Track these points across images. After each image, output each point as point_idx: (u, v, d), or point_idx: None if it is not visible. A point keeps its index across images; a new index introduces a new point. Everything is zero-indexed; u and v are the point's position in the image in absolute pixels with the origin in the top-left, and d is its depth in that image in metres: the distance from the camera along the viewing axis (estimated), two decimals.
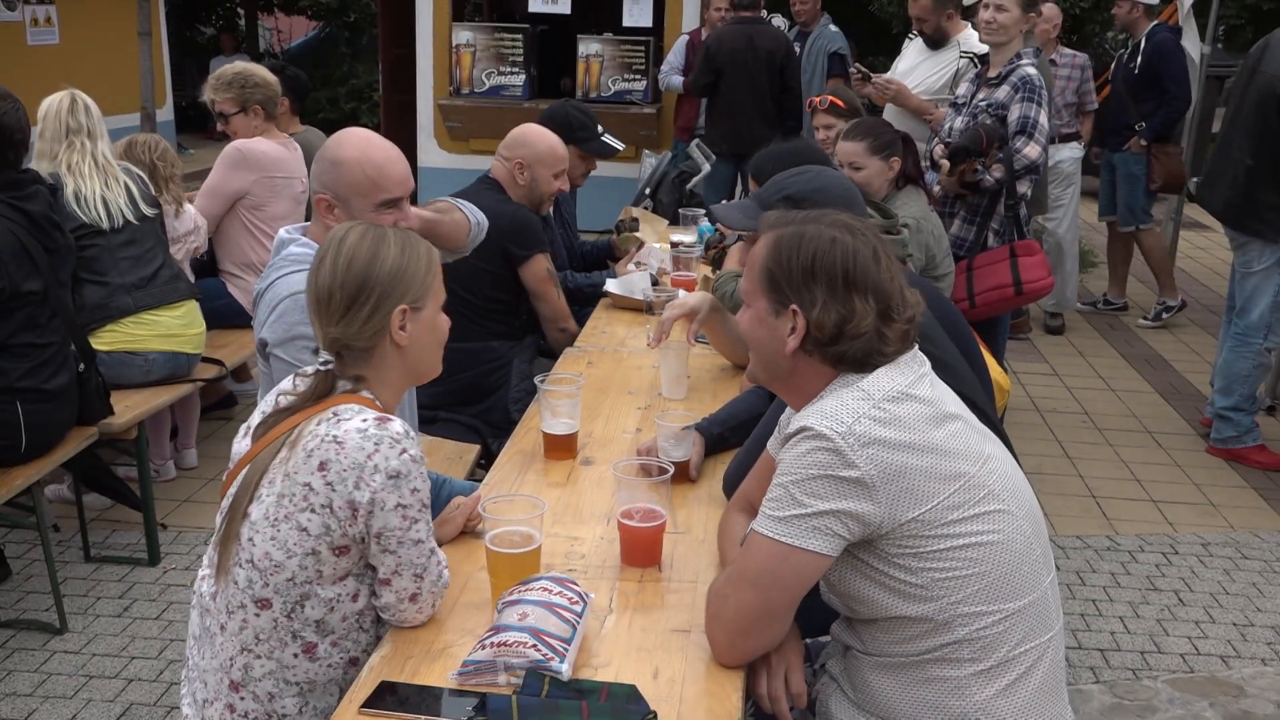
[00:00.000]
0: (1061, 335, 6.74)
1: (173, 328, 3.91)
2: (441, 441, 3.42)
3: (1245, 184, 4.66)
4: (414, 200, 2.57)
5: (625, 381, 3.15)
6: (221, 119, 4.64)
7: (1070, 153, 6.69)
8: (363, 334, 1.88)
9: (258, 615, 1.84)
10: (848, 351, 1.74)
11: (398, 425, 1.80)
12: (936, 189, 4.53)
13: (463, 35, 8.82)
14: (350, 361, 1.90)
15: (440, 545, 2.13)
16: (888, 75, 5.61)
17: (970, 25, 5.29)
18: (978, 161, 4.26)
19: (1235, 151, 4.71)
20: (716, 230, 4.42)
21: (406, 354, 1.94)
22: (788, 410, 1.96)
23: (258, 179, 4.56)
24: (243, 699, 1.87)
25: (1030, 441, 5.09)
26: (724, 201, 6.13)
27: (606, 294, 4.00)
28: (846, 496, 1.64)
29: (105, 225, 3.76)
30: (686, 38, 8.02)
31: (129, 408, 3.68)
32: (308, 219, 2.58)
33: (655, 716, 1.63)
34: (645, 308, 3.59)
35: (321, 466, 1.77)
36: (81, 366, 3.42)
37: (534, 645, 1.69)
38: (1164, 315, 7.04)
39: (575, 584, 1.86)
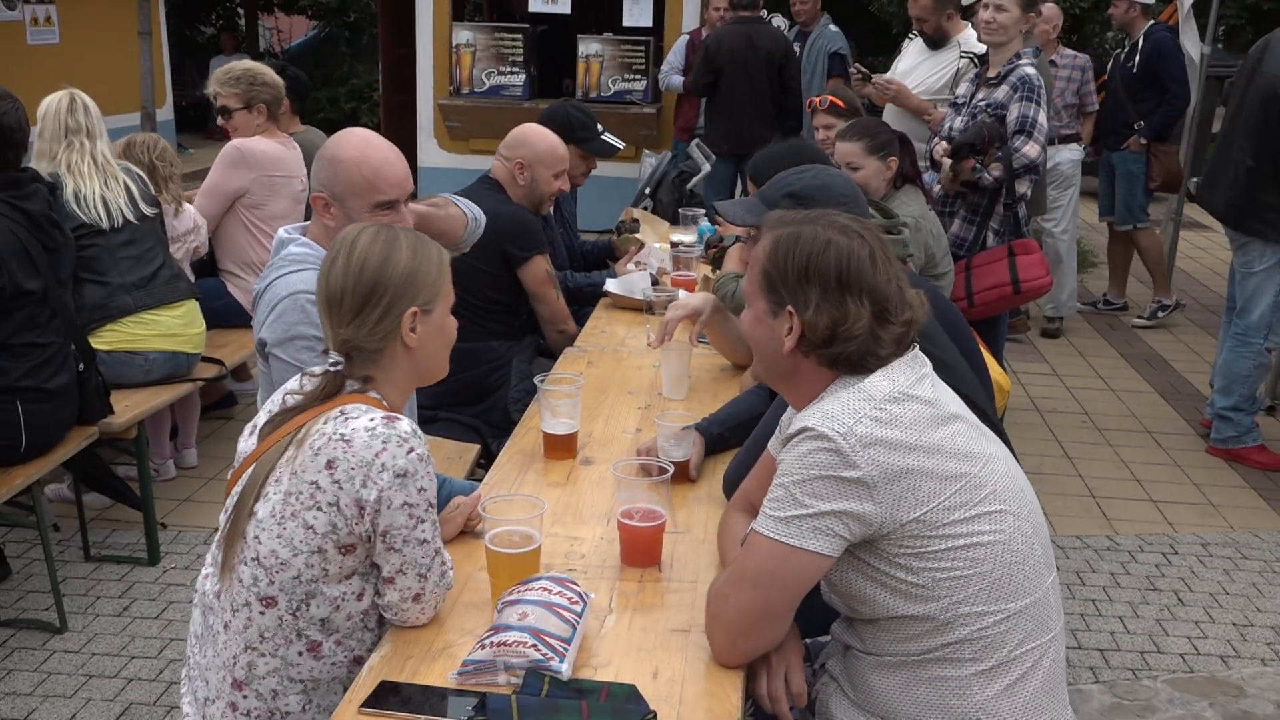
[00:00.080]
0: (1058, 338, 6.74)
1: (173, 327, 3.91)
2: (441, 441, 3.42)
3: (1246, 184, 4.66)
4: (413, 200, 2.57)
5: (625, 381, 3.15)
6: (224, 114, 4.64)
7: (1069, 154, 6.66)
8: (374, 336, 1.88)
9: (262, 613, 1.84)
10: (842, 353, 1.74)
11: (405, 424, 1.81)
12: (936, 189, 4.53)
13: (463, 35, 8.82)
14: (359, 362, 1.91)
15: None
16: (888, 75, 5.61)
17: (970, 25, 5.29)
18: (977, 160, 4.26)
19: (1236, 152, 4.71)
20: (716, 230, 4.43)
21: (416, 355, 1.94)
22: (789, 410, 1.96)
23: (257, 178, 4.56)
24: (245, 697, 1.87)
25: (1030, 441, 5.09)
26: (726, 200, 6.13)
27: (606, 294, 4.00)
28: (848, 497, 1.64)
29: (105, 225, 3.76)
30: (686, 37, 8.02)
31: (129, 407, 3.68)
32: (307, 218, 2.58)
33: (655, 716, 1.63)
34: (645, 308, 3.59)
35: (329, 465, 1.77)
36: (81, 366, 3.42)
37: (534, 645, 1.69)
38: (1159, 315, 7.03)
39: (575, 584, 1.86)
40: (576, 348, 3.49)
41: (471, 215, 2.92)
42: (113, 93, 8.40)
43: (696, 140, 7.15)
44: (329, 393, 1.88)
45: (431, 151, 9.02)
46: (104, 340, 3.73)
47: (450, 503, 2.20)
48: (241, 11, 17.88)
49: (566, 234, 4.40)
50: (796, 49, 7.27)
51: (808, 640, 1.99)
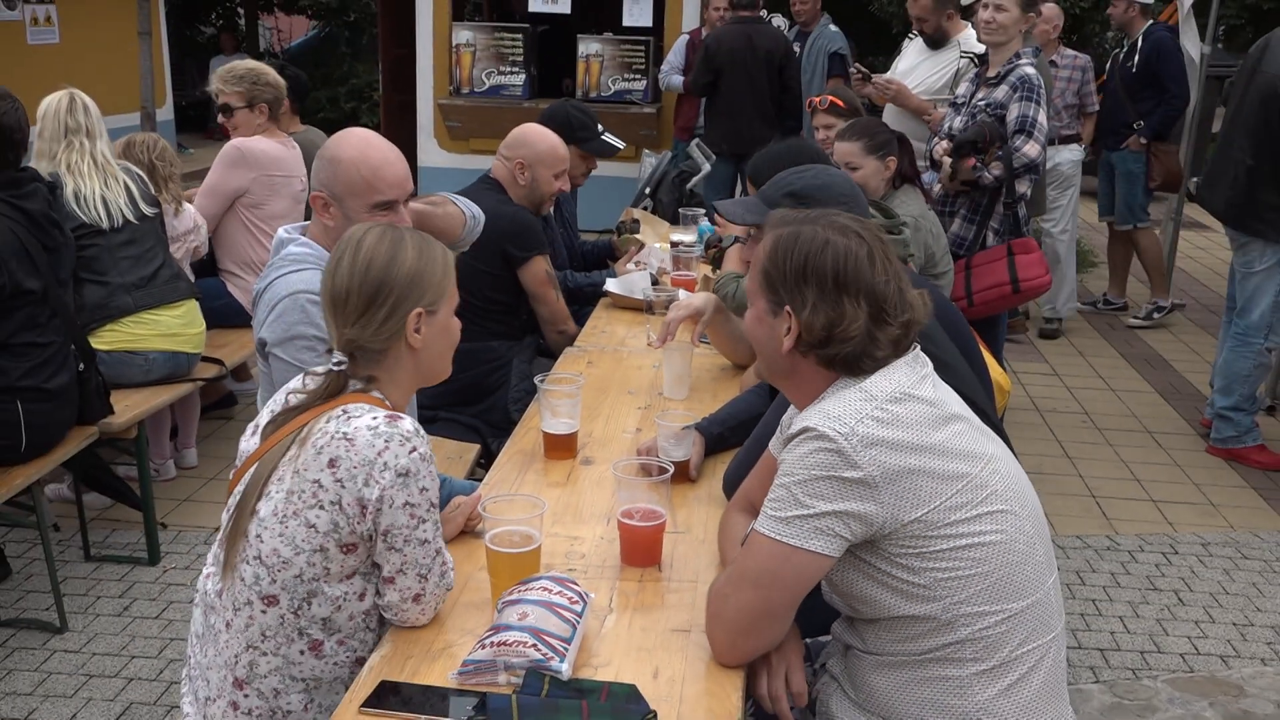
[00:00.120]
0: (1056, 339, 6.73)
1: (173, 327, 3.91)
2: (441, 441, 3.42)
3: (1246, 184, 4.66)
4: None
5: (625, 381, 3.15)
6: (226, 112, 4.64)
7: (1069, 155, 6.65)
8: (378, 336, 1.88)
9: (264, 612, 1.84)
10: (838, 354, 1.74)
11: (408, 423, 1.81)
12: (936, 188, 4.53)
13: (463, 35, 8.82)
14: (363, 362, 1.91)
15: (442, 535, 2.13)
16: (888, 75, 5.61)
17: (970, 25, 5.28)
18: (977, 159, 4.26)
19: (1236, 152, 4.71)
20: (715, 230, 4.42)
21: (419, 356, 1.94)
22: (790, 410, 1.96)
23: (256, 177, 4.56)
24: (247, 696, 1.87)
25: (1030, 441, 5.09)
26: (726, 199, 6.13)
27: (606, 294, 4.00)
28: (849, 497, 1.64)
29: (105, 225, 3.76)
30: (687, 37, 8.02)
31: (129, 407, 3.68)
32: (308, 218, 2.58)
33: (655, 716, 1.63)
34: (645, 307, 3.59)
35: (331, 463, 1.77)
36: (81, 366, 3.42)
37: (534, 645, 1.69)
38: (1154, 315, 7.02)
39: (575, 584, 1.86)
40: (576, 347, 3.49)
41: (470, 213, 2.92)
42: (113, 92, 8.40)
43: (696, 140, 7.16)
44: (332, 392, 1.88)
45: (431, 151, 9.02)
46: (104, 340, 3.73)
47: (451, 502, 2.20)
48: (241, 11, 17.88)
49: (567, 234, 4.41)
50: (796, 49, 7.27)
51: (808, 640, 1.99)
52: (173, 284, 3.94)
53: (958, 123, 4.51)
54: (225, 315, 4.54)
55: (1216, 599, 3.80)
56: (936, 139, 4.64)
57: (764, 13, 7.24)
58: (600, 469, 2.52)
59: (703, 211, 5.18)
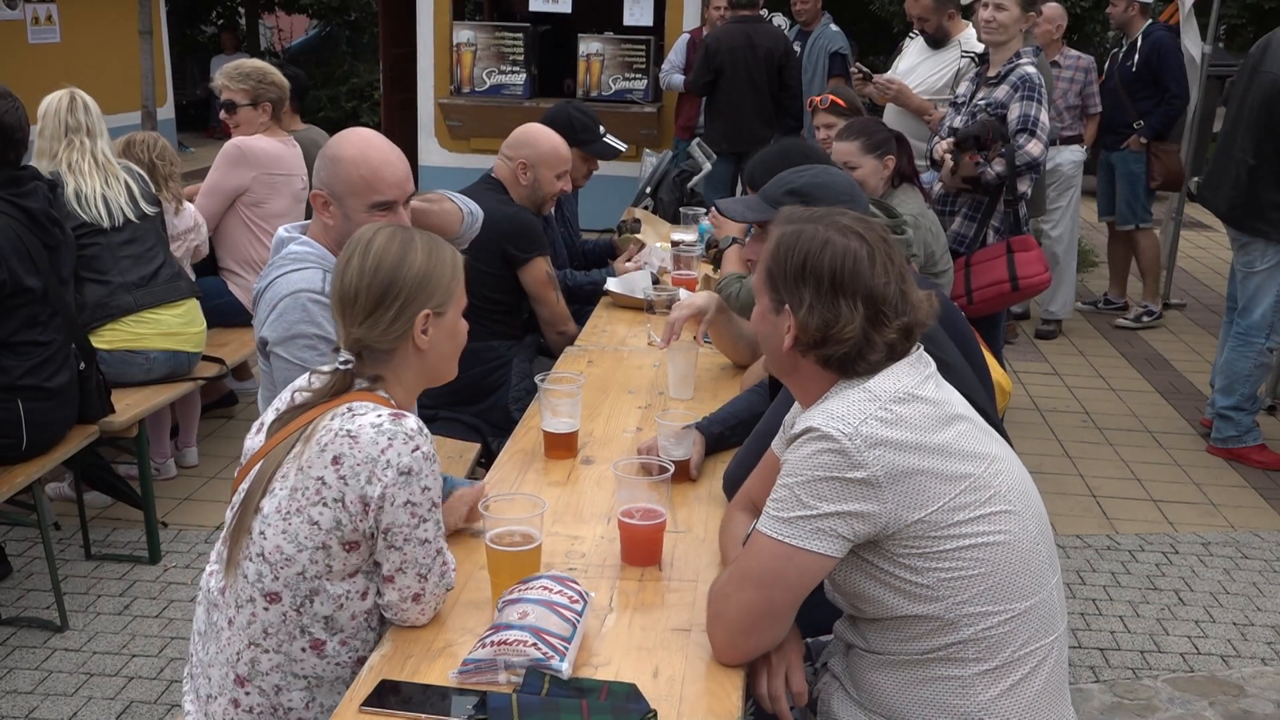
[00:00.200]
0: (1053, 340, 6.73)
1: (173, 326, 3.91)
2: (442, 440, 3.42)
3: (1248, 184, 4.66)
4: None
5: (626, 380, 3.15)
6: (229, 109, 4.64)
7: (1070, 155, 6.63)
8: (386, 336, 1.89)
9: (266, 609, 1.84)
10: (834, 355, 1.74)
11: (412, 422, 1.81)
12: (936, 187, 4.53)
13: (463, 34, 8.82)
14: (370, 361, 1.91)
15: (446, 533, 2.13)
16: (888, 75, 5.60)
17: (971, 24, 5.28)
18: (980, 155, 4.26)
19: (1238, 152, 4.71)
20: (709, 230, 4.41)
21: (426, 357, 1.94)
22: (793, 409, 1.96)
23: (257, 175, 4.56)
24: (248, 693, 1.87)
25: (1030, 441, 5.09)
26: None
27: (607, 293, 4.00)
28: (852, 498, 1.64)
29: (106, 224, 3.76)
30: (688, 36, 8.02)
31: (130, 406, 3.68)
32: (308, 217, 2.58)
33: (655, 715, 1.63)
34: (646, 307, 3.59)
35: (335, 460, 1.78)
36: (82, 365, 3.42)
37: (534, 644, 1.69)
38: (1144, 319, 7.00)
39: (575, 583, 1.87)
40: (577, 347, 3.49)
41: (467, 210, 2.92)
42: (113, 92, 8.41)
43: (697, 139, 7.15)
44: (338, 390, 1.88)
45: (432, 151, 9.02)
46: (105, 339, 3.73)
47: (455, 493, 2.20)
48: (242, 10, 17.88)
49: (568, 233, 4.41)
50: (797, 48, 7.27)
51: (809, 639, 1.99)
52: (173, 283, 3.94)
53: (958, 122, 4.51)
54: (226, 314, 4.54)
55: (1217, 599, 3.80)
56: (937, 138, 4.64)
57: (764, 12, 7.23)
58: (600, 468, 2.52)
59: (704, 210, 5.17)
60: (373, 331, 1.88)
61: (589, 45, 8.74)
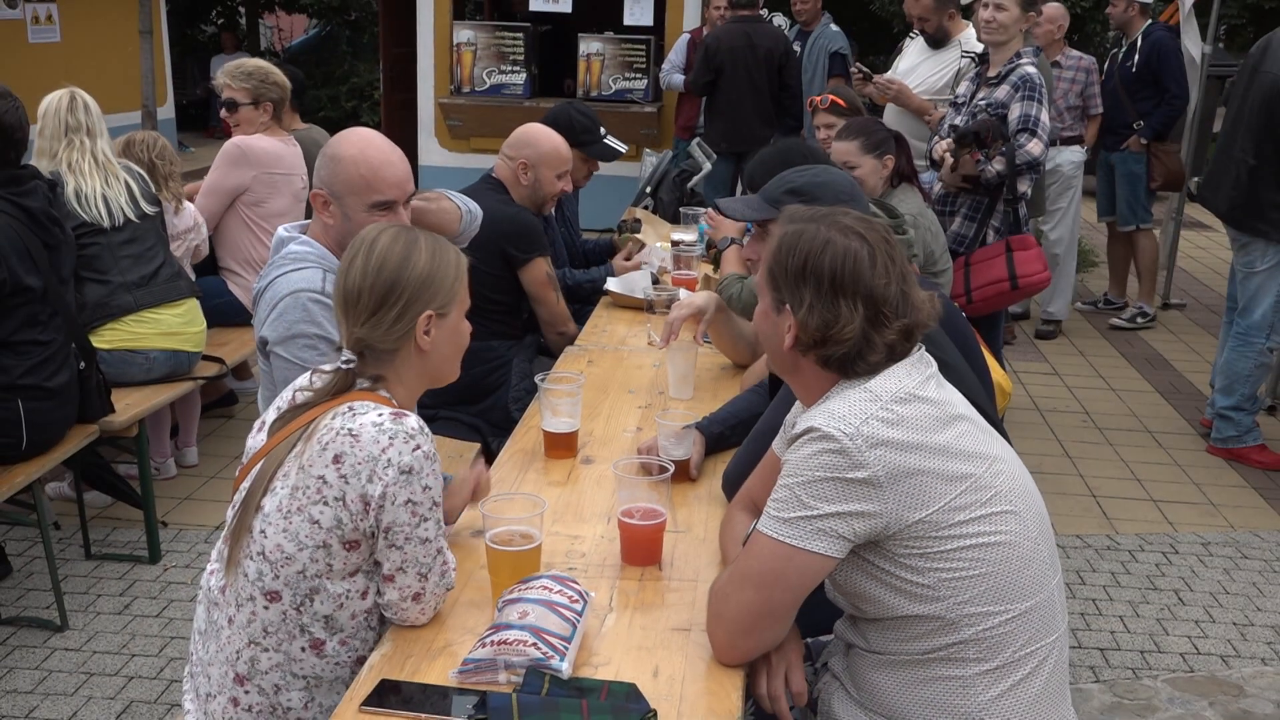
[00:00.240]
0: (1053, 340, 6.73)
1: (173, 326, 3.91)
2: (442, 440, 3.42)
3: (1249, 184, 4.66)
4: None
5: (626, 380, 3.15)
6: (230, 107, 4.64)
7: (1070, 156, 6.63)
8: (388, 337, 1.89)
9: (267, 608, 1.84)
10: (833, 355, 1.74)
11: (413, 421, 1.81)
12: (936, 187, 4.53)
13: (464, 34, 8.82)
14: (372, 361, 1.91)
15: (452, 518, 2.13)
16: (889, 75, 5.60)
17: (971, 24, 5.28)
18: (980, 153, 4.26)
19: (1238, 152, 4.71)
20: (706, 231, 4.41)
21: (428, 358, 1.94)
22: (794, 409, 1.96)
23: (257, 175, 4.56)
24: (247, 692, 1.87)
25: (1030, 441, 5.09)
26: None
27: (607, 293, 4.00)
28: (853, 499, 1.64)
29: (106, 223, 3.76)
30: (688, 36, 8.02)
31: (130, 405, 3.69)
32: (308, 216, 2.58)
33: (655, 715, 1.63)
34: (646, 307, 3.59)
35: (336, 459, 1.78)
36: (82, 364, 3.42)
37: (534, 643, 1.69)
38: (1138, 320, 7.00)
39: (575, 582, 1.87)
40: (577, 347, 3.49)
41: (466, 209, 2.92)
42: (114, 91, 8.41)
43: (697, 139, 7.15)
44: (339, 389, 1.88)
45: (432, 150, 9.02)
46: (105, 339, 3.73)
47: (456, 478, 2.21)
48: (242, 10, 17.88)
49: (568, 233, 4.41)
50: (797, 48, 7.27)
51: (809, 639, 1.99)
52: (173, 283, 3.94)
53: (958, 122, 4.51)
54: (226, 314, 4.54)
55: (1217, 599, 3.80)
56: (937, 138, 4.64)
57: (764, 12, 7.23)
58: (600, 468, 2.53)
59: (704, 210, 5.17)
60: (375, 331, 1.88)
61: (589, 45, 8.74)
